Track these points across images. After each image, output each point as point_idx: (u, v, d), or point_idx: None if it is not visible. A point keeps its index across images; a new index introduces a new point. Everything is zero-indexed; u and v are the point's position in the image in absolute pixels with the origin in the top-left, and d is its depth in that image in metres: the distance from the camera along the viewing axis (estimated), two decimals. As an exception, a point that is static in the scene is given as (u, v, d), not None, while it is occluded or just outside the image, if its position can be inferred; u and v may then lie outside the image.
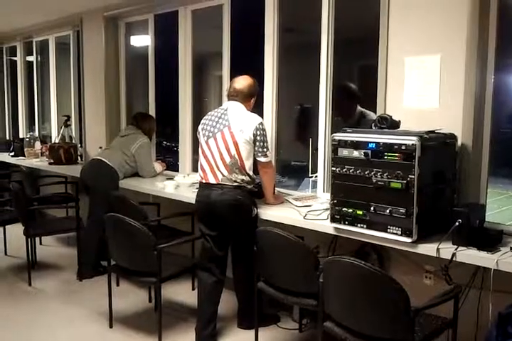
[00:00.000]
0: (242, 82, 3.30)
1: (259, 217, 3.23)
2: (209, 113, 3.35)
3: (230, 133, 3.14)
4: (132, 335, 3.42)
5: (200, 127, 3.33)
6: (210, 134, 3.22)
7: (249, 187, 3.20)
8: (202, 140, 3.28)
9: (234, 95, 3.27)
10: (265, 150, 3.19)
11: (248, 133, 3.13)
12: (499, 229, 2.61)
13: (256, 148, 3.17)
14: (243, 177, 3.16)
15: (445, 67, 2.86)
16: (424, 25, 2.92)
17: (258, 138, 3.15)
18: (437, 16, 2.86)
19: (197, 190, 3.34)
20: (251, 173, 3.21)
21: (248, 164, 3.17)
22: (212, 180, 3.18)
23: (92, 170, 4.46)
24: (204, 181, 3.23)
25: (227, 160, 3.14)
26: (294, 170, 4.99)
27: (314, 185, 3.92)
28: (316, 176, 3.90)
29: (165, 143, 5.97)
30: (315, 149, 4.08)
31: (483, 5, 2.72)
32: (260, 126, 3.16)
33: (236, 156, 3.13)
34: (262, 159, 3.20)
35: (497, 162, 2.90)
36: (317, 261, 2.68)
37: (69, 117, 6.00)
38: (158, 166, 4.81)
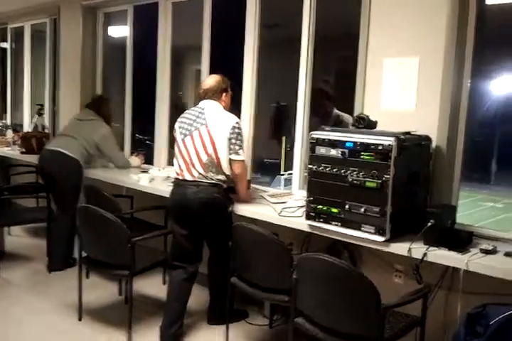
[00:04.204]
0: (209, 81, 3.32)
1: (235, 213, 3.24)
2: (186, 111, 3.33)
3: (208, 132, 3.13)
4: (102, 328, 3.39)
5: (176, 125, 3.31)
6: (187, 132, 3.20)
7: (225, 185, 3.20)
8: (178, 138, 3.26)
9: (204, 95, 3.28)
10: (237, 148, 3.16)
11: (225, 131, 3.12)
12: (469, 230, 2.67)
13: (230, 146, 3.16)
14: (219, 177, 3.15)
15: (423, 70, 2.90)
16: (404, 28, 2.96)
17: (233, 136, 3.14)
18: (417, 20, 2.91)
19: (172, 186, 3.31)
20: (228, 173, 3.18)
21: (225, 163, 3.15)
22: (188, 177, 3.16)
23: (57, 164, 4.31)
24: (180, 178, 3.21)
25: (204, 158, 3.13)
26: (267, 167, 5.02)
27: (286, 182, 3.95)
28: (288, 174, 3.93)
29: (137, 135, 5.91)
30: (289, 147, 4.11)
31: (462, 11, 2.77)
32: (237, 125, 3.17)
33: (213, 155, 3.12)
34: (233, 157, 3.17)
35: (466, 166, 2.97)
36: (291, 257, 2.71)
37: (42, 106, 5.91)
38: (136, 160, 4.76)
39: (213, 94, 3.27)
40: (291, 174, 4.01)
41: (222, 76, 3.36)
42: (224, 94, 3.31)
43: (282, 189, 3.92)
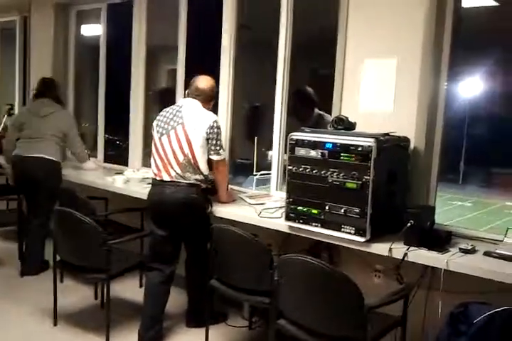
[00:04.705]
0: (205, 82, 3.25)
1: (214, 215, 3.22)
2: (164, 109, 3.28)
3: (184, 131, 3.09)
4: (78, 333, 3.32)
5: (154, 123, 3.26)
6: (164, 131, 3.15)
7: (203, 185, 3.17)
8: (155, 136, 3.20)
9: (196, 94, 3.21)
10: (218, 148, 3.14)
11: (202, 131, 3.08)
12: (448, 230, 2.71)
13: (209, 146, 3.12)
14: (197, 177, 3.11)
15: (401, 72, 2.93)
16: (382, 29, 2.98)
17: (211, 136, 3.10)
18: (395, 21, 2.94)
19: (149, 187, 3.27)
20: (206, 172, 3.15)
21: (202, 163, 3.12)
22: (165, 177, 3.12)
23: (42, 170, 4.15)
24: (158, 178, 3.16)
25: (181, 158, 3.09)
26: (239, 167, 5.00)
27: (258, 182, 3.95)
28: (261, 174, 3.94)
29: (106, 136, 5.82)
30: (265, 148, 4.12)
31: (440, 12, 2.81)
32: (215, 124, 3.13)
33: (189, 155, 3.08)
34: (215, 157, 3.16)
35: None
36: (271, 258, 2.70)
37: (12, 106, 5.76)
38: (92, 164, 4.65)
39: (206, 97, 3.22)
40: (263, 174, 4.02)
41: (214, 82, 3.33)
42: (212, 101, 3.31)
43: (254, 189, 3.92)
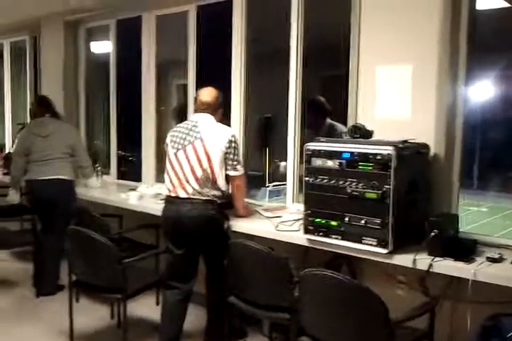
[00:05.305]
0: (208, 93, 3.21)
1: (231, 230, 3.15)
2: (178, 125, 3.24)
3: (203, 146, 3.03)
4: (95, 354, 3.27)
5: (168, 139, 3.20)
6: (180, 146, 3.10)
7: (219, 201, 3.09)
8: (170, 152, 3.14)
9: (203, 108, 3.17)
10: (235, 163, 3.09)
11: (221, 145, 3.03)
12: (473, 238, 2.62)
13: (226, 161, 3.07)
14: (215, 193, 3.04)
15: (417, 78, 2.86)
16: (396, 35, 2.92)
17: (230, 150, 3.05)
18: (409, 27, 2.87)
19: (163, 204, 3.19)
20: (223, 188, 3.08)
21: (220, 178, 3.05)
22: (182, 194, 3.05)
23: (59, 192, 4.15)
24: (173, 195, 3.08)
25: (199, 173, 3.02)
26: (250, 179, 4.97)
27: (271, 194, 3.89)
28: (273, 186, 3.88)
29: (119, 152, 5.82)
30: (278, 159, 4.06)
31: (454, 17, 2.75)
32: (233, 139, 3.08)
33: (208, 170, 3.02)
34: (232, 173, 3.09)
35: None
36: (290, 273, 2.62)
37: (24, 125, 5.75)
38: (95, 181, 4.62)
39: (212, 109, 3.17)
40: (276, 186, 3.96)
41: (218, 91, 3.26)
42: (219, 110, 3.25)
43: (267, 201, 3.86)
